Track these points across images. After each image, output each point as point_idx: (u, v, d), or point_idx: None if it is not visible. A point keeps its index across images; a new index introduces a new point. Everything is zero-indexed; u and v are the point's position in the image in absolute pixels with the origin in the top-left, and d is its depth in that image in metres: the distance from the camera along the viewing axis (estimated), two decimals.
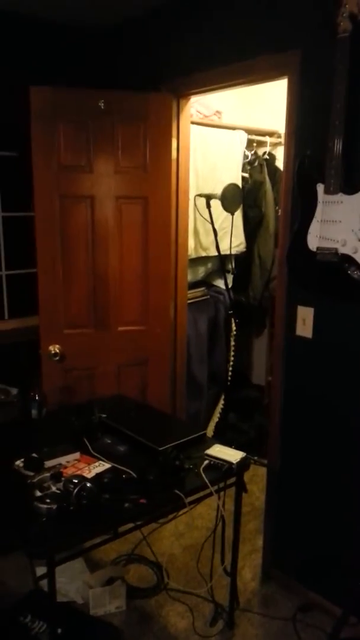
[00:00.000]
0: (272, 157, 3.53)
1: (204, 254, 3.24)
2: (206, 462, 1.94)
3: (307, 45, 2.07)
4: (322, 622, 2.26)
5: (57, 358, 2.70)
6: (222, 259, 3.09)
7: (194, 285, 3.30)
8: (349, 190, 1.87)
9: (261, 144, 3.52)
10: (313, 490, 2.30)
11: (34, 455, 1.87)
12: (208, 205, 2.91)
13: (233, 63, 2.35)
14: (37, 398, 2.34)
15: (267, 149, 3.51)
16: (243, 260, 3.57)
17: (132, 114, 2.59)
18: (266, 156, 3.50)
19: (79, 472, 1.80)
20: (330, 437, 2.20)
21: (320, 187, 1.95)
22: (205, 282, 3.48)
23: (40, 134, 2.52)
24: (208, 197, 2.92)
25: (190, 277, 3.14)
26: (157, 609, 2.33)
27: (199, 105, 3.12)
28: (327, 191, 1.92)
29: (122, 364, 2.83)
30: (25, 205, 2.87)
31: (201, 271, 3.39)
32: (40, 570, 2.29)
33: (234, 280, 3.54)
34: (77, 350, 2.74)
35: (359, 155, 1.92)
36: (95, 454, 1.97)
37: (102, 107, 2.53)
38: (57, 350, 2.69)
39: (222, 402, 3.60)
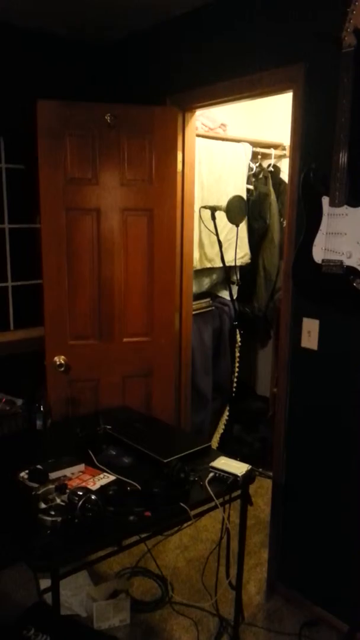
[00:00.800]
0: (277, 169, 3.55)
1: (209, 265, 3.25)
2: (211, 474, 1.93)
3: (312, 59, 2.09)
4: (328, 638, 2.24)
5: (62, 369, 2.70)
6: (227, 271, 3.09)
7: (198, 296, 3.31)
8: (354, 202, 1.88)
9: (266, 156, 3.54)
10: (319, 503, 2.28)
11: (39, 466, 1.87)
12: (213, 217, 2.93)
13: (238, 77, 2.37)
14: (42, 409, 2.34)
15: (272, 161, 3.53)
16: (248, 272, 3.57)
17: (137, 127, 2.62)
18: (271, 168, 3.52)
19: (83, 484, 1.80)
20: (336, 449, 2.19)
21: (325, 200, 1.96)
22: (210, 294, 3.48)
23: (47, 147, 2.54)
24: (213, 209, 2.94)
25: (195, 289, 3.15)
26: (162, 622, 2.31)
27: (204, 118, 3.15)
28: (332, 204, 1.92)
29: (126, 375, 2.83)
30: (31, 217, 2.89)
31: (206, 282, 3.40)
32: (45, 583, 2.28)
33: (238, 291, 3.54)
34: (82, 361, 2.74)
35: None
36: (100, 466, 1.97)
37: (109, 121, 2.56)
38: (62, 361, 2.70)
39: (226, 413, 3.59)
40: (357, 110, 1.85)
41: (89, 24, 2.77)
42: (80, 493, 1.64)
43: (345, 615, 2.23)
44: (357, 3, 1.76)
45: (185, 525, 1.91)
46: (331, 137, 1.90)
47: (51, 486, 1.73)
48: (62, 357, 2.70)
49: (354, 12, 1.78)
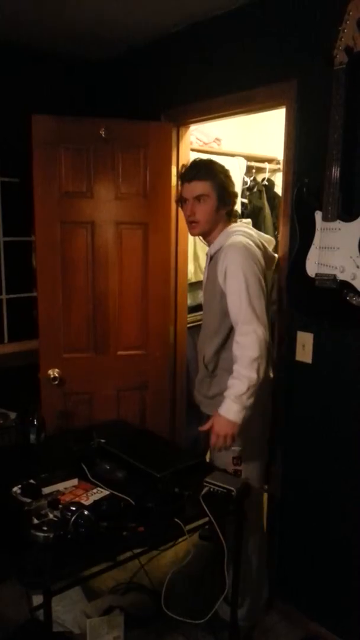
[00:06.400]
0: (271, 183, 3.58)
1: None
2: (206, 488, 1.91)
3: (304, 76, 2.11)
4: None
5: (57, 382, 2.69)
6: None
7: (193, 309, 3.30)
8: (347, 217, 1.90)
9: (260, 170, 3.57)
10: (316, 517, 2.27)
11: (32, 481, 1.86)
12: None
13: (231, 93, 2.40)
14: (35, 423, 2.32)
15: (266, 175, 3.56)
16: None
17: (132, 142, 2.64)
18: (265, 182, 3.54)
19: (76, 499, 1.78)
20: (332, 463, 2.18)
21: (318, 215, 1.97)
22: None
23: (42, 161, 2.56)
24: None
25: (190, 301, 3.15)
26: (156, 639, 2.28)
27: (198, 132, 3.18)
28: (325, 218, 1.94)
29: (121, 388, 2.82)
30: (26, 230, 2.90)
31: (200, 295, 3.38)
32: (37, 599, 2.25)
33: None
34: (76, 374, 2.74)
35: (356, 183, 1.95)
36: (94, 480, 1.95)
37: (103, 136, 2.58)
38: (57, 374, 2.69)
39: None
40: (348, 126, 1.87)
41: (85, 42, 2.80)
42: (73, 508, 1.62)
43: (342, 631, 2.21)
44: (347, 22, 1.79)
45: (180, 540, 1.90)
46: (324, 152, 1.92)
47: (44, 501, 1.71)
48: (57, 370, 2.70)
49: (345, 30, 1.81)
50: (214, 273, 2.11)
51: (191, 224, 2.16)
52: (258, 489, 2.21)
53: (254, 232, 2.22)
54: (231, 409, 1.97)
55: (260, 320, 1.99)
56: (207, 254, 2.30)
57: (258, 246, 2.14)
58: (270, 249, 2.28)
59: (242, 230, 2.16)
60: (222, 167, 2.18)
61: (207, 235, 2.21)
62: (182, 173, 2.19)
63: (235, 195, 2.21)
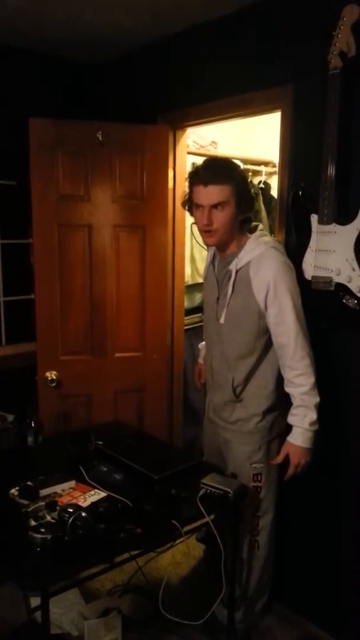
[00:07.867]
0: (267, 186, 3.59)
1: (200, 280, 3.27)
2: (203, 490, 1.92)
3: (300, 80, 2.13)
4: None
5: (54, 384, 2.70)
6: None
7: (190, 311, 3.32)
8: (342, 220, 1.91)
9: (256, 173, 3.58)
10: (314, 519, 2.28)
11: (29, 483, 1.86)
12: None
13: (228, 97, 2.41)
14: (33, 425, 2.32)
15: (263, 178, 3.57)
16: None
17: (129, 145, 2.65)
18: (261, 185, 3.56)
19: (74, 501, 1.79)
20: (330, 463, 2.19)
21: (314, 218, 1.99)
22: (202, 309, 3.49)
23: (39, 164, 2.57)
24: None
25: (187, 304, 3.16)
26: None
27: (195, 135, 3.19)
28: (320, 221, 1.95)
29: (118, 390, 2.83)
30: (24, 233, 2.91)
31: (198, 297, 3.41)
32: (35, 601, 2.26)
33: None
34: (73, 376, 2.74)
35: (351, 186, 1.97)
36: (91, 482, 1.96)
37: (100, 139, 2.59)
38: (54, 377, 2.70)
39: None
40: (343, 130, 1.89)
41: (83, 44, 2.81)
42: (71, 510, 1.63)
43: (340, 633, 2.22)
44: (342, 27, 1.81)
45: (177, 541, 1.90)
46: (319, 156, 1.94)
47: (41, 503, 1.72)
48: (54, 372, 2.70)
49: (339, 35, 1.82)
50: (247, 290, 1.94)
51: (207, 233, 1.96)
52: (273, 502, 2.18)
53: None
54: (307, 437, 1.96)
55: (308, 340, 1.94)
56: (229, 268, 2.02)
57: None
58: None
59: (271, 241, 2.00)
60: (239, 167, 1.97)
61: (222, 246, 2.04)
62: (194, 174, 1.95)
63: (254, 200, 1.97)
